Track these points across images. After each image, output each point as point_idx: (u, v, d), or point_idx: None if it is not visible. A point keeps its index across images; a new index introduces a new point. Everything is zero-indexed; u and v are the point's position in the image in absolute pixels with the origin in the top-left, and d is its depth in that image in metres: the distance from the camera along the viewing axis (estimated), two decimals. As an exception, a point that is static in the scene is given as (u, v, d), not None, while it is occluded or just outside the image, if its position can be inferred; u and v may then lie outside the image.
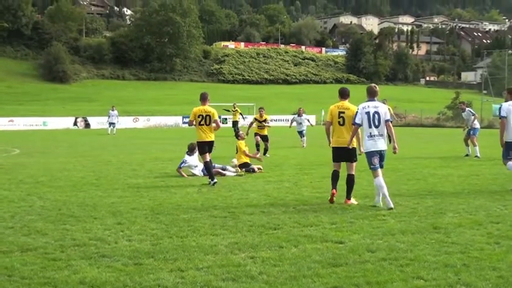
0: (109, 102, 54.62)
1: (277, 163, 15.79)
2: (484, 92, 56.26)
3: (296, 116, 23.99)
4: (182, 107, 59.67)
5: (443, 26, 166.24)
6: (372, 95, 8.84)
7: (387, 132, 8.79)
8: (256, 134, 18.98)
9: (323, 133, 9.73)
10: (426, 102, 72.28)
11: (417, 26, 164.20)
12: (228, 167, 13.69)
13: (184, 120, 49.13)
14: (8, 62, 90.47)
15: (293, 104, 64.25)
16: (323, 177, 11.82)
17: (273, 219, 7.71)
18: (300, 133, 23.25)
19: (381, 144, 8.68)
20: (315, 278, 5.06)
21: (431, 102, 72.43)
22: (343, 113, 9.01)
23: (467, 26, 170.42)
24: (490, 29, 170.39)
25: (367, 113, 8.66)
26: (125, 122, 46.99)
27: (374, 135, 8.65)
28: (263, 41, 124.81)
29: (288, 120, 41.14)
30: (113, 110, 36.28)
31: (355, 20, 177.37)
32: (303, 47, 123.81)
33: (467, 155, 17.51)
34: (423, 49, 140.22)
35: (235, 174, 13.36)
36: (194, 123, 11.57)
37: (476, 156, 17.05)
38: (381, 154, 8.69)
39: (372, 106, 8.71)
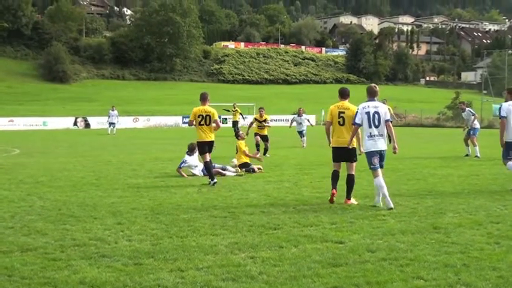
0: (109, 102, 54.63)
1: (277, 163, 15.79)
2: (484, 92, 56.27)
3: (296, 116, 23.99)
4: (182, 107, 59.67)
5: (443, 26, 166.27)
6: (372, 95, 8.84)
7: (387, 132, 8.79)
8: (256, 134, 18.98)
9: (323, 133, 9.73)
10: (426, 102, 72.29)
11: (417, 26, 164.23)
12: (228, 167, 13.69)
13: (184, 120, 49.13)
14: (8, 62, 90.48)
15: (293, 104, 64.26)
16: (323, 177, 11.82)
17: (273, 219, 7.71)
18: (300, 133, 23.25)
19: (381, 144, 8.68)
20: (315, 278, 5.06)
21: (431, 102, 72.44)
22: (343, 113, 9.01)
23: (467, 26, 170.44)
24: (490, 29, 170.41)
25: (367, 113, 8.66)
26: (125, 122, 47.00)
27: (374, 135, 8.65)
28: (263, 41, 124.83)
29: (288, 120, 41.14)
30: (113, 110, 36.28)
31: (355, 20, 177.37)
32: (303, 47, 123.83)
33: (467, 155, 17.51)
34: (423, 49, 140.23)
35: (235, 174, 13.36)
36: (194, 123, 11.57)
37: (476, 156, 17.05)
38: (380, 154, 8.69)
39: (372, 106, 8.71)
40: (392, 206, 8.42)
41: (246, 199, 9.55)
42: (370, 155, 8.67)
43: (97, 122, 48.20)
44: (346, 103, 9.14)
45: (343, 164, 9.18)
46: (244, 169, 13.63)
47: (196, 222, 7.49)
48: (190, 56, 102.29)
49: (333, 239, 6.49)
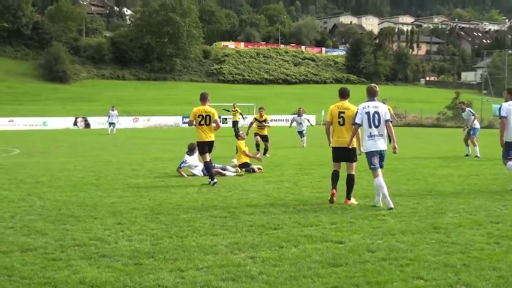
0: (109, 102, 54.63)
1: (277, 163, 15.79)
2: (484, 92, 56.27)
3: (296, 116, 23.99)
4: (182, 107, 59.68)
5: (443, 26, 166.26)
6: (371, 95, 8.84)
7: (387, 132, 8.79)
8: (256, 134, 18.98)
9: (323, 133, 9.73)
10: (426, 102, 72.29)
11: (417, 26, 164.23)
12: (228, 167, 13.69)
13: (184, 120, 49.14)
14: (8, 62, 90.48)
15: (293, 104, 64.26)
16: (323, 177, 11.82)
17: (273, 219, 7.71)
18: (300, 133, 23.26)
19: (381, 144, 8.68)
20: (315, 278, 5.06)
21: (431, 102, 72.44)
22: (343, 113, 9.02)
23: (467, 26, 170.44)
24: (490, 29, 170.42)
25: (367, 113, 8.66)
26: (124, 122, 47.00)
27: (374, 135, 8.65)
28: (263, 41, 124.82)
29: (288, 120, 41.15)
30: (113, 110, 36.28)
31: (355, 20, 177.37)
32: (303, 47, 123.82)
33: (467, 155, 17.51)
34: (423, 49, 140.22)
35: (235, 174, 13.36)
36: (194, 123, 11.57)
37: (476, 156, 17.05)
38: (380, 154, 8.69)
39: (372, 106, 8.71)
40: (392, 206, 8.42)
41: (246, 199, 9.55)
42: (370, 155, 8.67)
43: (97, 122, 48.21)
44: (346, 103, 9.14)
45: (343, 164, 9.18)
46: (244, 169, 13.63)
47: (196, 222, 7.49)
48: (190, 56, 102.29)
49: (333, 239, 6.49)
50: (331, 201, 8.96)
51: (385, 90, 58.17)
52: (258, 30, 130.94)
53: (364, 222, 7.47)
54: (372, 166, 8.66)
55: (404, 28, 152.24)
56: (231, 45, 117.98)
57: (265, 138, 18.89)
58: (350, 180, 9.04)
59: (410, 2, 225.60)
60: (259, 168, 13.77)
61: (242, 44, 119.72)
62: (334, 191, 8.98)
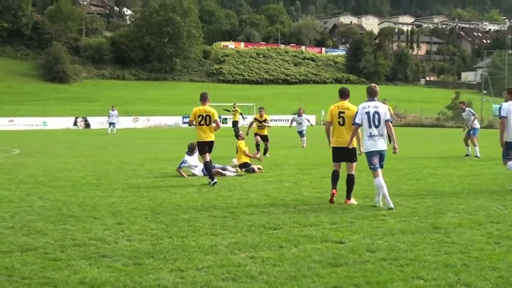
0: (109, 102, 54.63)
1: (277, 163, 15.79)
2: (484, 92, 56.27)
3: (296, 116, 23.99)
4: (182, 107, 59.68)
5: (443, 26, 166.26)
6: (371, 95, 8.84)
7: (387, 132, 8.79)
8: (256, 134, 18.99)
9: (323, 133, 9.73)
10: (426, 102, 72.29)
11: (417, 26, 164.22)
12: (228, 167, 13.69)
13: (184, 120, 49.14)
14: (8, 62, 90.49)
15: (293, 104, 64.26)
16: (323, 177, 11.82)
17: (273, 219, 7.71)
18: (300, 133, 23.26)
19: (381, 144, 8.68)
20: (315, 278, 5.06)
21: (431, 102, 72.44)
22: (343, 113, 9.02)
23: (467, 26, 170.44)
24: (490, 29, 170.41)
25: (367, 113, 8.66)
26: (124, 122, 47.00)
27: (374, 135, 8.65)
28: (263, 41, 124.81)
29: (288, 120, 41.14)
30: (113, 110, 36.28)
31: (355, 20, 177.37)
32: (303, 47, 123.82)
33: (467, 155, 17.51)
34: (423, 49, 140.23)
35: (235, 174, 13.36)
36: (194, 123, 11.57)
37: (476, 156, 17.05)
38: (380, 154, 8.69)
39: (372, 106, 8.71)
40: (392, 206, 8.42)
41: (246, 199, 9.55)
42: (370, 155, 8.68)
43: (97, 122, 48.21)
44: (346, 103, 9.14)
45: (343, 164, 9.18)
46: (244, 169, 13.63)
47: (196, 222, 7.49)
48: (190, 56, 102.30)
49: (333, 239, 6.49)
50: (331, 201, 8.96)
51: (385, 90, 58.17)
52: (258, 30, 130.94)
53: (364, 222, 7.47)
54: (371, 166, 8.67)
55: (404, 28, 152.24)
56: (231, 45, 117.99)
57: (265, 138, 18.89)
58: (350, 180, 9.04)
59: (410, 2, 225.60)
60: (259, 168, 13.77)
61: (242, 44, 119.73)
62: (334, 191, 8.98)
